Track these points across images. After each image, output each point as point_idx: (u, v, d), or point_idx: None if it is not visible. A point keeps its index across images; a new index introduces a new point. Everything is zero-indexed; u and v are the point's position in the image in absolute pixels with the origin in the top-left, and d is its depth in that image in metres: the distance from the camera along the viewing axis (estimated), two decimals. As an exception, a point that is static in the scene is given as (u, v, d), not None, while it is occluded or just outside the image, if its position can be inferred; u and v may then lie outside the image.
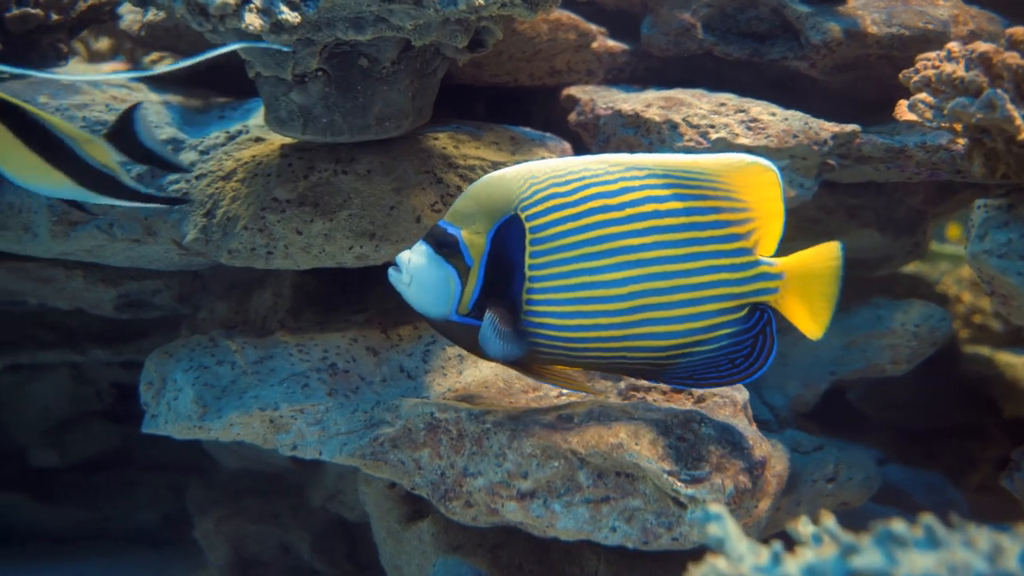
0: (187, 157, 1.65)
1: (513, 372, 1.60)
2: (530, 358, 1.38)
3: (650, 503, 1.36)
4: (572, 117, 1.87)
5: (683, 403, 1.53)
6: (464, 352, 1.62)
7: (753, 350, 1.37)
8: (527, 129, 1.78)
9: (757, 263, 1.35)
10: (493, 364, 1.60)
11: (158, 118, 1.70)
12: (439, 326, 1.40)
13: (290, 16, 1.26)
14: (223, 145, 1.65)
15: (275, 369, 1.55)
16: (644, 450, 1.35)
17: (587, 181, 1.31)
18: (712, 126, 1.69)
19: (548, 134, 1.78)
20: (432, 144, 1.64)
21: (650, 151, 1.75)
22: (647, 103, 1.76)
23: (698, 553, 1.47)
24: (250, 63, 1.50)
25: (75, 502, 2.53)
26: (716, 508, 1.15)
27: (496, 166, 1.66)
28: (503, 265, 1.32)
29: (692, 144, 1.67)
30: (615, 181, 1.30)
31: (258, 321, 1.84)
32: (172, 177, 1.63)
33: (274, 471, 2.34)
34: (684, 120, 1.69)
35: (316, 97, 1.48)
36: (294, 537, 2.25)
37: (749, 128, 1.68)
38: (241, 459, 2.36)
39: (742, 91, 1.81)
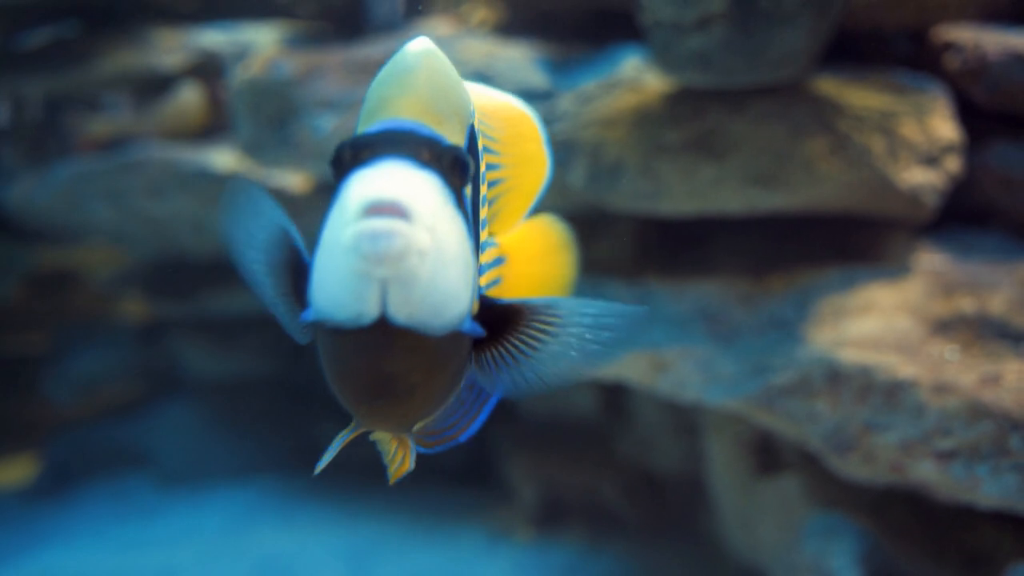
0: (562, 106, 1.70)
1: (900, 327, 1.53)
2: None
3: (1094, 474, 1.25)
4: (949, 61, 1.74)
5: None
6: (837, 304, 1.56)
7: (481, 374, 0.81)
8: (904, 74, 1.68)
9: (488, 243, 0.85)
10: (878, 316, 1.54)
11: (527, 68, 1.76)
12: (441, 347, 0.73)
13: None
14: (599, 94, 1.68)
15: (653, 310, 1.57)
16: (1089, 416, 1.25)
17: None
18: None
19: (926, 79, 1.67)
20: (818, 89, 1.58)
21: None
22: (1054, 43, 1.60)
23: None
24: (649, 8, 1.50)
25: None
26: None
27: (886, 116, 1.58)
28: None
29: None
30: None
31: (598, 268, 1.88)
32: (557, 127, 1.67)
33: (579, 419, 2.40)
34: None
35: (716, 40, 1.46)
36: (600, 484, 2.31)
37: None
38: (545, 405, 2.44)
39: None
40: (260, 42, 2.01)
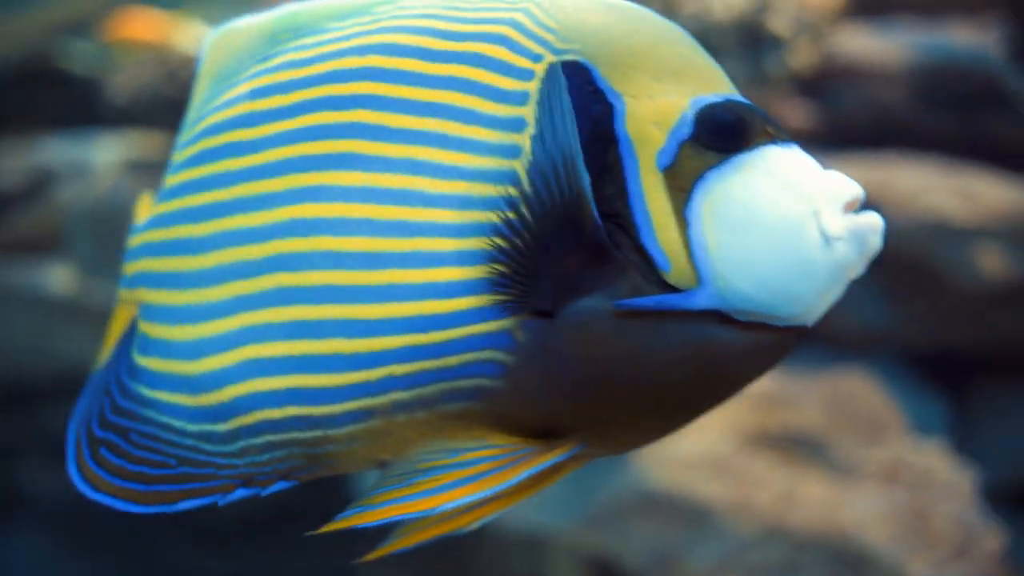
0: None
1: (714, 443, 1.59)
2: None
3: (881, 588, 1.32)
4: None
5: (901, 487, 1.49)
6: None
7: None
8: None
9: None
10: (695, 432, 1.60)
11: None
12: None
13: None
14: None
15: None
16: (872, 534, 1.33)
17: None
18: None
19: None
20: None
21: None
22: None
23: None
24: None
25: (244, 556, 2.63)
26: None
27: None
28: None
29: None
30: None
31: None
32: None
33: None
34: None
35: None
36: (460, 603, 2.26)
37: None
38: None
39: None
40: (103, 158, 2.01)
